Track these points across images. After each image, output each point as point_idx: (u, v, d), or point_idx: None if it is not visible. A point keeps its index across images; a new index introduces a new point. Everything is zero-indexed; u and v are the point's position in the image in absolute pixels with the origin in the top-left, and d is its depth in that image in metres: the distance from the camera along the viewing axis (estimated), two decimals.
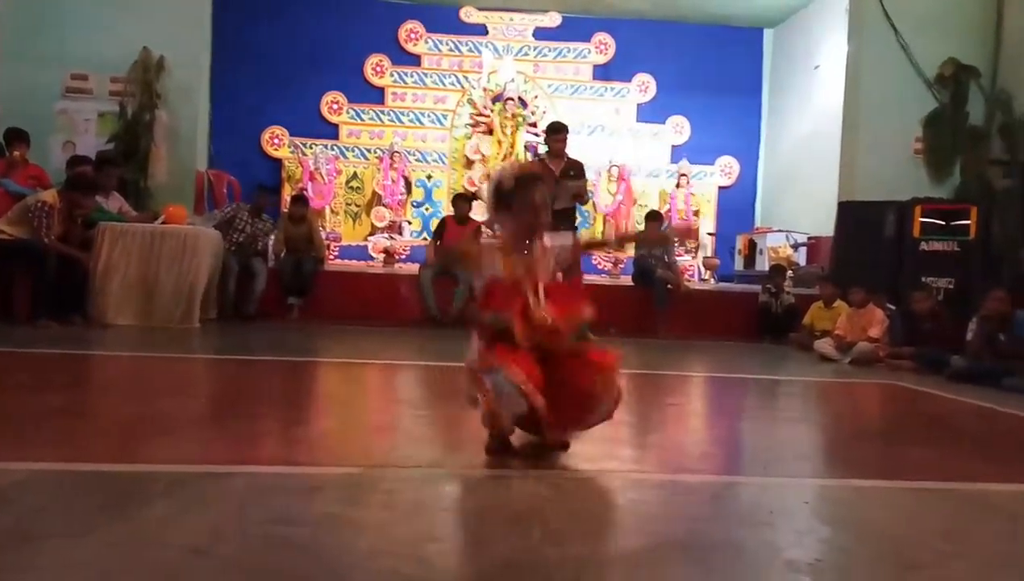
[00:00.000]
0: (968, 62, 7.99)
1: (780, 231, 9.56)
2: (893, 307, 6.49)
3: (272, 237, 7.40)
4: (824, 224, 8.39)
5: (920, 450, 3.08)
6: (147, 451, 2.39)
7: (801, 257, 9.29)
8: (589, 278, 7.68)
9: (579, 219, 7.77)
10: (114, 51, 7.58)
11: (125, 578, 1.44)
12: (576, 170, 6.42)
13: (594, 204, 9.92)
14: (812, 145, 9.65)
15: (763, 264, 9.18)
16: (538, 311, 2.33)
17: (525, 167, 2.49)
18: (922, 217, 7.07)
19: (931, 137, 8.08)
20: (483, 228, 7.96)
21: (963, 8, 8.12)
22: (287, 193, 9.46)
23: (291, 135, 9.95)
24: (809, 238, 9.27)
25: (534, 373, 2.26)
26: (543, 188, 2.47)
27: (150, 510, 1.79)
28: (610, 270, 9.47)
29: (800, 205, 9.86)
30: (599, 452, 2.65)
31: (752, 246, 9.77)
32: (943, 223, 7.03)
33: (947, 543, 1.87)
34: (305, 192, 9.04)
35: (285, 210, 8.19)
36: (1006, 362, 5.06)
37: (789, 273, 8.20)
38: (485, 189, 9.76)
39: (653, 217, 7.95)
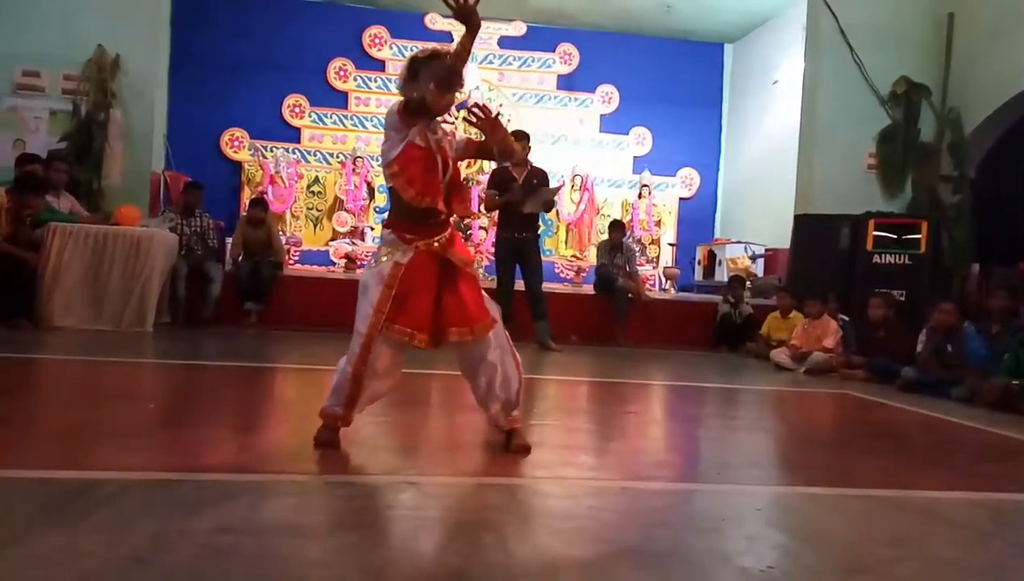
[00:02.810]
0: (920, 81, 8.22)
1: (739, 242, 9.70)
2: (846, 318, 6.62)
3: (213, 230, 7.19)
4: (781, 236, 8.53)
5: (870, 458, 3.14)
6: (92, 458, 2.32)
7: (759, 268, 9.44)
8: (551, 286, 7.68)
9: (543, 227, 7.79)
10: (68, 48, 7.37)
11: None
12: (539, 178, 6.43)
13: (557, 212, 9.96)
14: (770, 158, 9.83)
15: (722, 275, 9.30)
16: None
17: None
18: (875, 231, 7.23)
19: (884, 153, 8.28)
20: None
21: (915, 29, 8.35)
22: (246, 196, 9.31)
23: (251, 137, 9.79)
24: (767, 250, 9.43)
25: (422, 318, 2.48)
26: (455, 66, 2.51)
27: (90, 519, 1.73)
28: (572, 278, 9.51)
29: (758, 217, 10.02)
30: (557, 459, 2.66)
31: (711, 257, 9.89)
32: (895, 237, 7.20)
33: (893, 549, 1.91)
34: (265, 195, 8.90)
35: (244, 213, 8.04)
36: (953, 373, 5.19)
37: (747, 284, 8.32)
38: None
39: (616, 226, 8.01)
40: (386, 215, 9.19)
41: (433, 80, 2.47)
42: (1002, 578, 1.83)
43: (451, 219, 2.67)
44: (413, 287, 2.47)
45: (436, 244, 2.54)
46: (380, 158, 2.63)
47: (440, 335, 2.55)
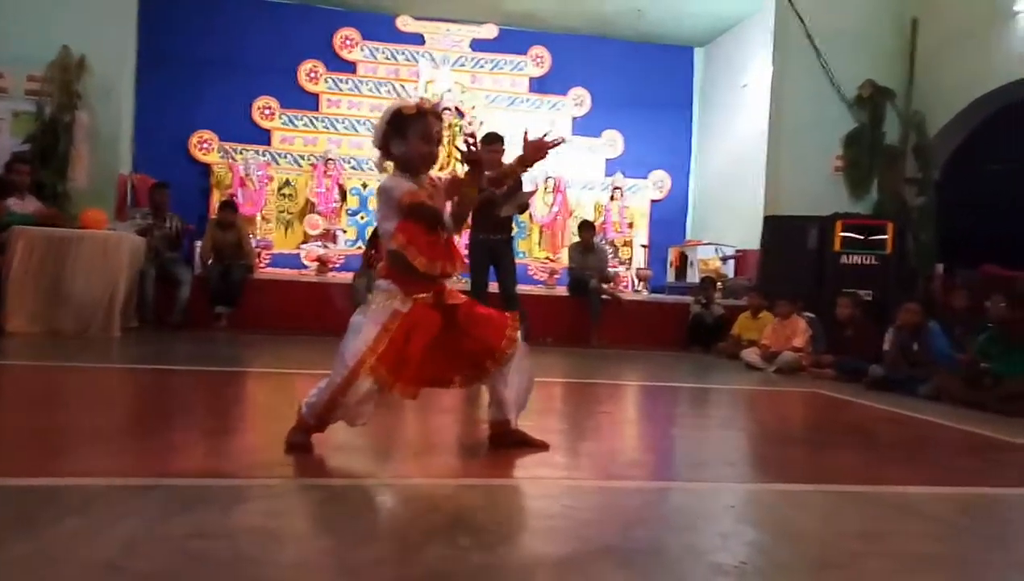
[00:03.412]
0: (885, 84, 8.39)
1: (710, 244, 9.81)
2: (812, 315, 6.72)
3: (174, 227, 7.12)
4: (751, 237, 8.64)
5: (840, 455, 3.19)
6: (60, 465, 2.28)
7: (729, 269, 9.55)
8: (525, 289, 7.70)
9: (516, 230, 7.79)
10: (32, 48, 7.21)
11: None
12: (514, 180, 6.43)
13: (530, 215, 9.98)
14: (740, 161, 9.95)
15: (693, 276, 9.40)
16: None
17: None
18: (842, 232, 7.36)
19: (850, 155, 8.44)
20: None
21: (880, 33, 8.52)
22: (216, 199, 9.20)
23: (221, 140, 9.68)
24: (737, 251, 9.54)
25: (409, 368, 2.42)
26: (440, 124, 2.57)
27: (60, 526, 1.69)
28: (546, 280, 9.54)
29: (729, 219, 10.13)
30: (532, 460, 2.66)
31: (683, 258, 9.99)
32: (862, 238, 7.33)
33: (864, 543, 1.94)
34: (235, 198, 8.81)
35: (213, 217, 7.96)
36: (920, 370, 5.30)
37: (719, 285, 8.42)
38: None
39: (586, 227, 8.06)
40: (359, 217, 9.05)
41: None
42: (973, 570, 1.86)
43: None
44: (410, 336, 2.43)
45: (432, 296, 2.53)
46: (377, 223, 2.56)
47: (475, 374, 2.59)
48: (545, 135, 2.67)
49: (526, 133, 2.71)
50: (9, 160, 6.38)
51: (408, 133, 2.49)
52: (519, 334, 2.64)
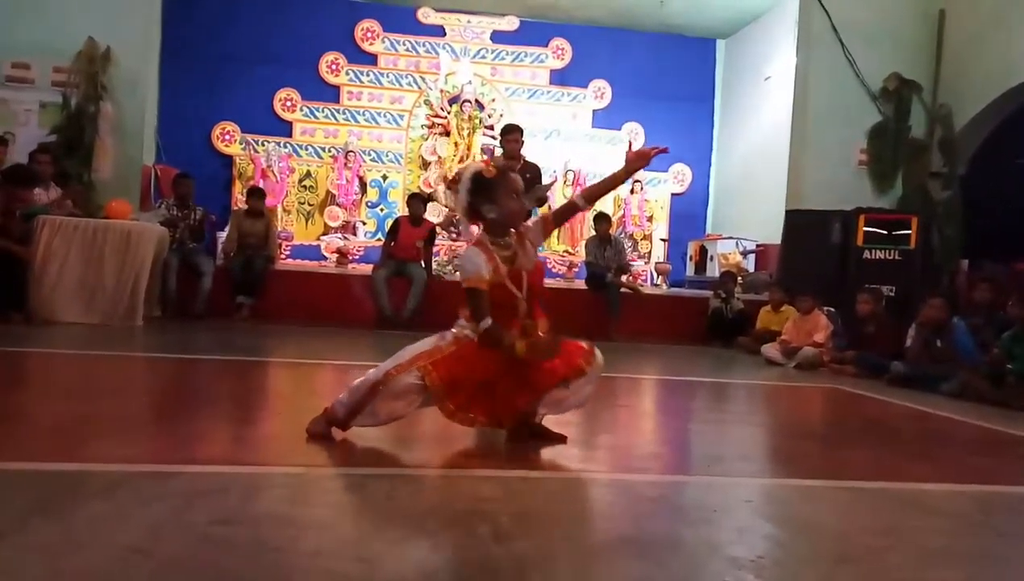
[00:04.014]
0: (911, 77, 8.27)
1: (730, 238, 9.74)
2: (832, 310, 6.65)
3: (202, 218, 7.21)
4: (772, 232, 8.57)
5: (859, 451, 3.17)
6: (86, 451, 2.32)
7: (750, 264, 9.48)
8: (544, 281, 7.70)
9: None
10: (58, 40, 7.32)
11: None
12: (532, 173, 6.44)
13: (550, 207, 9.94)
14: (762, 154, 9.86)
15: (714, 270, 9.34)
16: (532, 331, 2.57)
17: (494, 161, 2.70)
18: (866, 226, 7.27)
19: (875, 149, 8.32)
20: (437, 229, 7.94)
21: (907, 25, 8.39)
22: (238, 190, 9.28)
23: (243, 131, 9.75)
24: (758, 245, 9.47)
25: (466, 397, 2.48)
26: (518, 176, 2.66)
27: (85, 510, 1.73)
28: (564, 273, 9.53)
29: (750, 213, 10.05)
30: (549, 453, 2.67)
31: (703, 252, 9.93)
32: (885, 232, 7.24)
33: (882, 538, 1.93)
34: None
35: (239, 207, 8.02)
36: (942, 367, 5.23)
37: (739, 279, 8.36)
38: (442, 191, 9.82)
39: (602, 219, 8.05)
40: (379, 209, 9.06)
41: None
42: (989, 564, 1.85)
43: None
44: (471, 360, 2.49)
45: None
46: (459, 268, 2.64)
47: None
48: (656, 149, 2.74)
49: (630, 144, 2.79)
50: (32, 150, 6.49)
51: (496, 195, 2.54)
52: (593, 365, 2.65)
